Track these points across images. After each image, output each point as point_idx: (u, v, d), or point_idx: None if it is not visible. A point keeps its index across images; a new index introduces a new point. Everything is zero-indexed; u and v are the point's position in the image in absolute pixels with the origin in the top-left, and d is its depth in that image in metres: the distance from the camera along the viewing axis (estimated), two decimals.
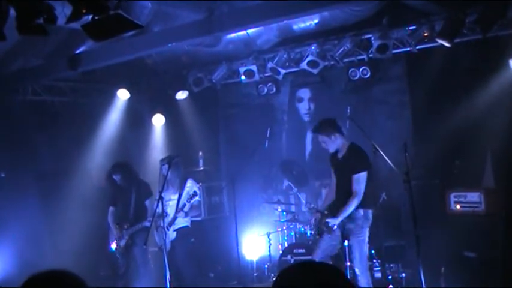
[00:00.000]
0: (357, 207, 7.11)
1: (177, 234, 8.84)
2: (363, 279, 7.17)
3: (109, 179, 9.23)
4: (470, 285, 7.84)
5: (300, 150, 11.51)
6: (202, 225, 10.49)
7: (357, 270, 7.14)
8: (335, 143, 7.40)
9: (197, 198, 8.72)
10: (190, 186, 8.90)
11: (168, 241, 8.59)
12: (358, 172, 7.16)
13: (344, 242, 7.34)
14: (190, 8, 8.36)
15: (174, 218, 8.75)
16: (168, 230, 8.72)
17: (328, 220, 7.17)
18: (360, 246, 7.24)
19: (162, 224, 7.94)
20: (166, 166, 7.91)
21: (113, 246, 9.15)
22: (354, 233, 7.21)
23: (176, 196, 8.87)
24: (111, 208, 9.27)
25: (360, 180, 7.16)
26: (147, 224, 8.71)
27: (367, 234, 7.33)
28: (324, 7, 7.79)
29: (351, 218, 7.18)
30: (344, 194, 7.28)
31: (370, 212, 7.31)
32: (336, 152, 7.50)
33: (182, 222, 8.89)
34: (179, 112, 11.95)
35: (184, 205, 8.64)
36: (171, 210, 8.82)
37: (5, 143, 9.88)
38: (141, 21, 5.72)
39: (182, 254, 8.90)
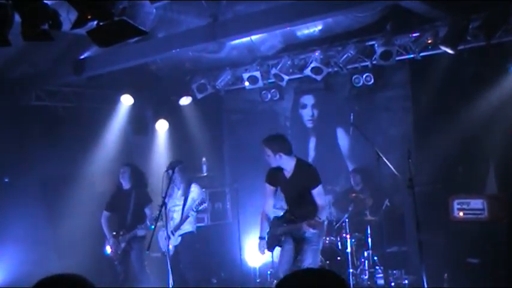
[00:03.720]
0: None
1: (181, 239, 8.87)
2: None
3: (116, 181, 9.31)
4: None
5: (303, 156, 11.41)
6: (205, 231, 10.49)
7: None
8: (278, 162, 7.23)
9: (205, 205, 8.77)
10: (195, 190, 8.94)
11: (171, 246, 8.62)
12: (316, 186, 7.11)
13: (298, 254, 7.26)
14: (195, 14, 8.39)
15: (181, 223, 8.78)
16: (173, 235, 8.75)
17: (307, 231, 6.95)
18: (314, 254, 7.19)
19: (166, 230, 7.94)
20: (170, 172, 7.92)
21: (108, 249, 9.18)
22: (311, 241, 7.13)
23: (182, 201, 8.90)
24: (105, 213, 9.31)
25: (321, 193, 7.14)
26: (139, 232, 8.78)
27: (321, 244, 7.43)
28: (328, 13, 7.80)
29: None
30: (299, 209, 7.23)
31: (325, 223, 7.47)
32: (281, 170, 7.34)
33: (187, 227, 8.91)
34: (183, 118, 11.97)
35: (193, 210, 8.68)
36: (177, 215, 8.86)
37: (9, 148, 9.91)
38: (146, 27, 5.73)
39: (187, 259, 8.92)
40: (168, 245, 7.93)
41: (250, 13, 8.03)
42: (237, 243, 9.27)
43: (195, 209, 8.66)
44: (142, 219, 8.98)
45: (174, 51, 8.63)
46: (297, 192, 7.22)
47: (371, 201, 9.45)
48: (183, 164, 8.89)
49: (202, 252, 9.97)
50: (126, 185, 9.24)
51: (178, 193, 9.00)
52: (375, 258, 9.29)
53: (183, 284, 8.67)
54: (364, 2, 7.64)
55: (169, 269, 7.47)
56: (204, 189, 9.76)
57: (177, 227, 8.84)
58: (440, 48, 8.58)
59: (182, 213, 8.88)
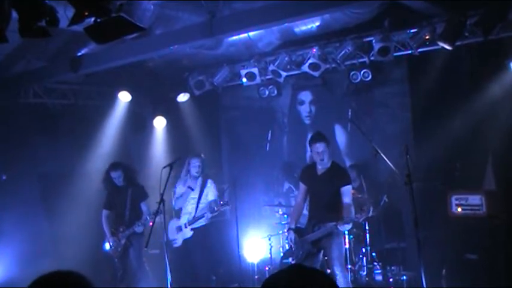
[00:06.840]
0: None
1: (193, 233, 8.91)
2: (342, 279, 7.22)
3: (107, 179, 9.25)
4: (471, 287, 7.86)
5: (301, 152, 11.49)
6: (203, 228, 10.45)
7: (335, 269, 7.23)
8: (328, 155, 7.49)
9: (228, 207, 8.90)
10: (210, 187, 9.10)
11: (179, 239, 8.70)
12: (347, 184, 7.38)
13: (321, 253, 7.46)
14: (192, 10, 8.37)
15: (195, 220, 8.84)
16: (186, 227, 8.82)
17: (340, 226, 7.18)
18: (340, 246, 7.45)
19: (164, 229, 7.94)
20: (168, 168, 7.90)
21: (107, 246, 9.18)
22: (336, 236, 7.32)
23: (197, 195, 8.96)
24: (104, 211, 9.30)
25: (349, 192, 7.41)
26: (137, 229, 8.79)
27: (343, 239, 7.70)
28: (325, 9, 7.80)
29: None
30: (322, 208, 7.41)
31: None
32: (314, 167, 7.62)
33: (201, 221, 8.95)
34: (180, 115, 11.95)
35: (214, 210, 8.79)
36: (191, 208, 8.92)
37: (6, 145, 9.90)
38: (143, 23, 5.72)
39: (199, 252, 8.97)
40: (166, 239, 7.93)
41: (248, 9, 8.01)
42: (235, 239, 9.27)
43: (216, 209, 8.80)
44: (140, 215, 8.98)
45: (171, 48, 8.62)
46: (326, 190, 7.42)
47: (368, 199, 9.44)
48: (202, 158, 9.03)
49: (201, 249, 9.97)
50: (121, 183, 9.22)
51: (195, 186, 9.06)
52: (373, 254, 9.29)
53: (192, 278, 8.74)
54: None
55: (168, 267, 7.44)
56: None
57: (191, 222, 8.90)
58: (438, 44, 8.57)
59: (197, 207, 8.94)
